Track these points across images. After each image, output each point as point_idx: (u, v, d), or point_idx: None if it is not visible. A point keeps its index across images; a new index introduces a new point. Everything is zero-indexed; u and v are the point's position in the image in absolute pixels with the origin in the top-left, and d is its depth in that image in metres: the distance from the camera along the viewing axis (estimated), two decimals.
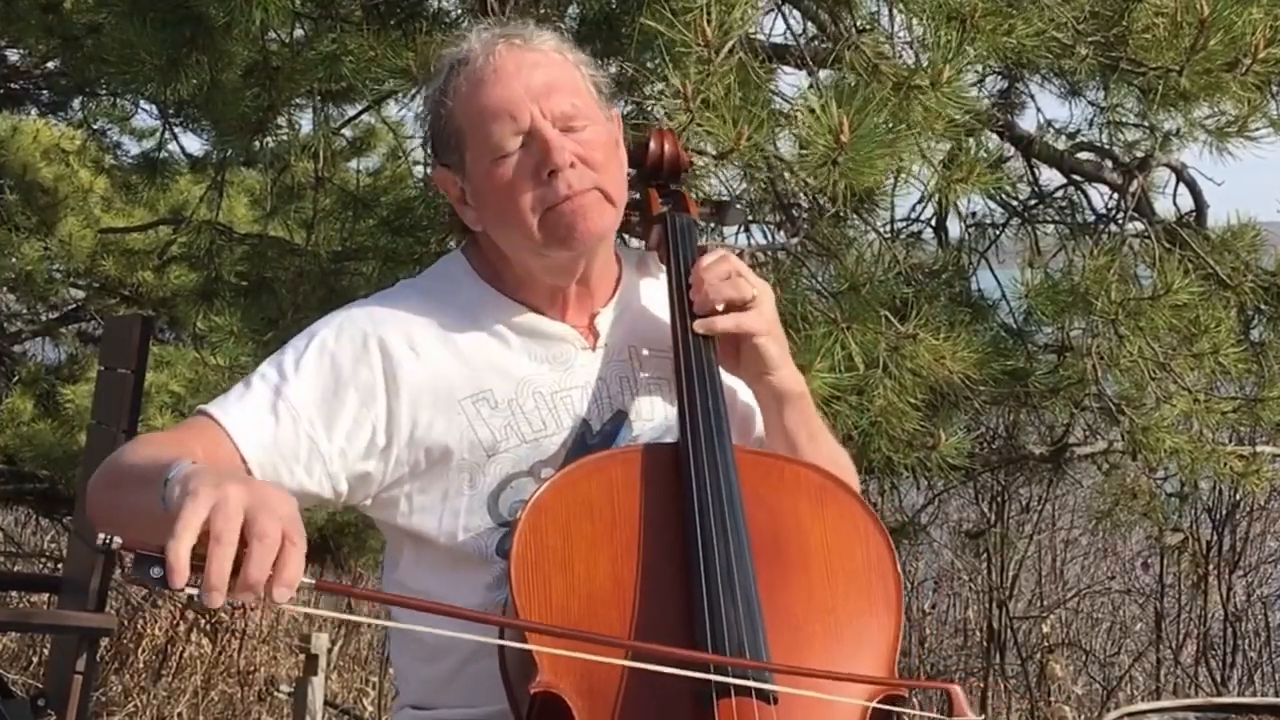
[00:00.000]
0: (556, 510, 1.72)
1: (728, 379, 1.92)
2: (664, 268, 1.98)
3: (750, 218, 3.51)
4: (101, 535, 1.39)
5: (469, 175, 1.85)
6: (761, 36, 3.29)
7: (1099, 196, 4.16)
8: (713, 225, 2.25)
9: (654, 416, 1.91)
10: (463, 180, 1.87)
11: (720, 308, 1.87)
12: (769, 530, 1.74)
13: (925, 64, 2.78)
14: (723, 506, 1.72)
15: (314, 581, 1.44)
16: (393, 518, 1.88)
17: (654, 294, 1.97)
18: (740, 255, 2.07)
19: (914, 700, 1.74)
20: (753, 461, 1.81)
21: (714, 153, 2.70)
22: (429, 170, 3.91)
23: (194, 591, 1.38)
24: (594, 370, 1.90)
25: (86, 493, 1.76)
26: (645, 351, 1.94)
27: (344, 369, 1.82)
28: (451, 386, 1.85)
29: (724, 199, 3.02)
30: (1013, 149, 4.09)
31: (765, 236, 3.80)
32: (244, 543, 1.39)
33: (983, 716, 1.54)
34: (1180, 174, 4.01)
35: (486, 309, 1.90)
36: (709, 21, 2.62)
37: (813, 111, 2.63)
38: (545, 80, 1.82)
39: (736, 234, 3.55)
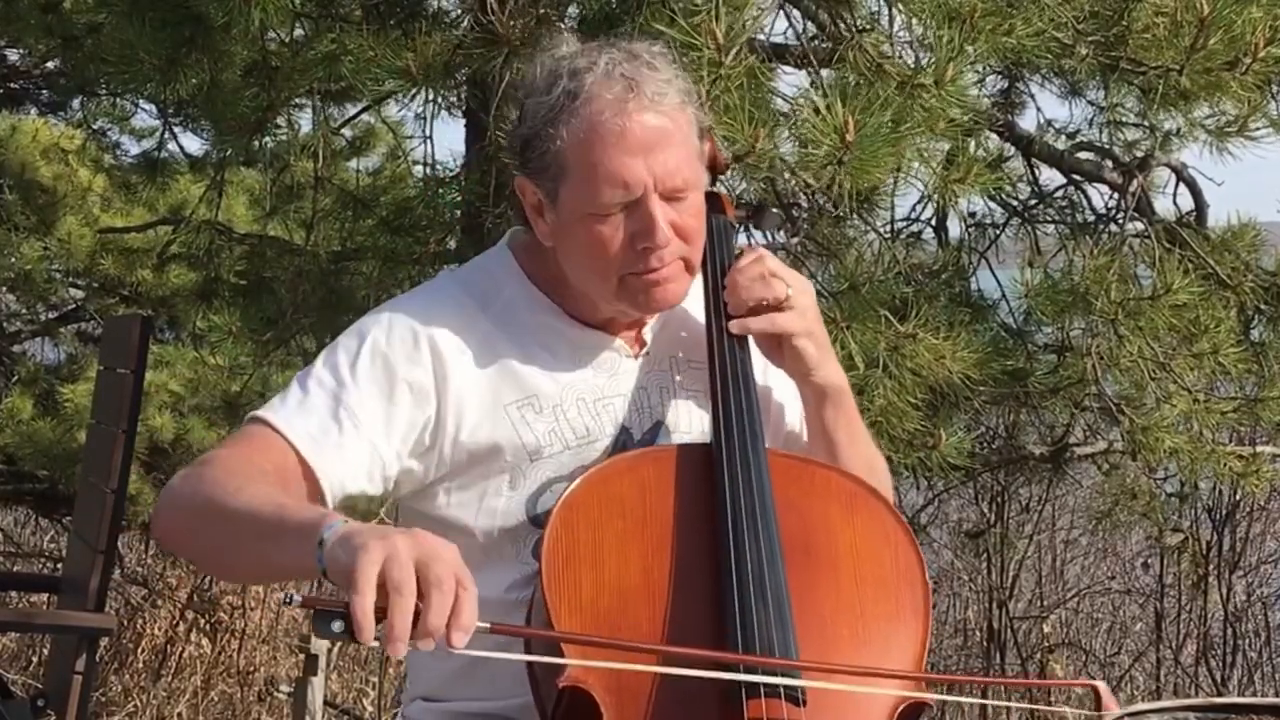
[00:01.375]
0: (588, 507, 1.72)
1: (761, 379, 1.92)
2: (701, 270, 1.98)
3: (786, 220, 3.50)
4: (285, 594, 1.46)
5: (559, 206, 1.82)
6: (762, 36, 3.29)
7: (1099, 196, 4.16)
8: (749, 227, 2.25)
9: (691, 429, 1.91)
10: (547, 201, 1.83)
11: (753, 307, 1.86)
12: (799, 534, 1.75)
13: (928, 63, 2.78)
14: (755, 508, 1.72)
15: (489, 625, 1.48)
16: (428, 509, 1.87)
17: (696, 300, 1.96)
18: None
19: (936, 709, 1.73)
20: (784, 465, 1.81)
21: (729, 155, 2.70)
22: (428, 170, 3.94)
23: (376, 644, 1.43)
24: (638, 378, 1.90)
25: (162, 523, 1.76)
26: (686, 362, 1.93)
27: (398, 370, 1.81)
28: (497, 391, 1.84)
29: (761, 202, 3.00)
30: (1013, 149, 4.09)
31: (765, 236, 3.79)
32: (420, 591, 1.43)
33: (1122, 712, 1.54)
34: (1180, 174, 4.01)
35: (533, 311, 1.89)
36: (718, 22, 2.61)
37: (817, 111, 2.63)
38: (666, 155, 1.77)
39: (737, 234, 3.54)
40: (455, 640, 1.43)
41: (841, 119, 2.57)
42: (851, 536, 1.77)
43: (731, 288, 1.86)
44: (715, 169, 2.06)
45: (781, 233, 3.67)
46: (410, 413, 1.80)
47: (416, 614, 1.43)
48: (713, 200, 2.03)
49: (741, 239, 2.15)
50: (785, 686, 1.58)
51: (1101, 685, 1.63)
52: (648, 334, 1.92)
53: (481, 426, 1.82)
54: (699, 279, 1.96)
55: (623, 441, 1.87)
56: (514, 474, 1.84)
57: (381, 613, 1.42)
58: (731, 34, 2.64)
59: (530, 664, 1.72)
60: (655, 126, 1.77)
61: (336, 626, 1.43)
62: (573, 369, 1.87)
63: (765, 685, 1.58)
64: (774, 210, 2.25)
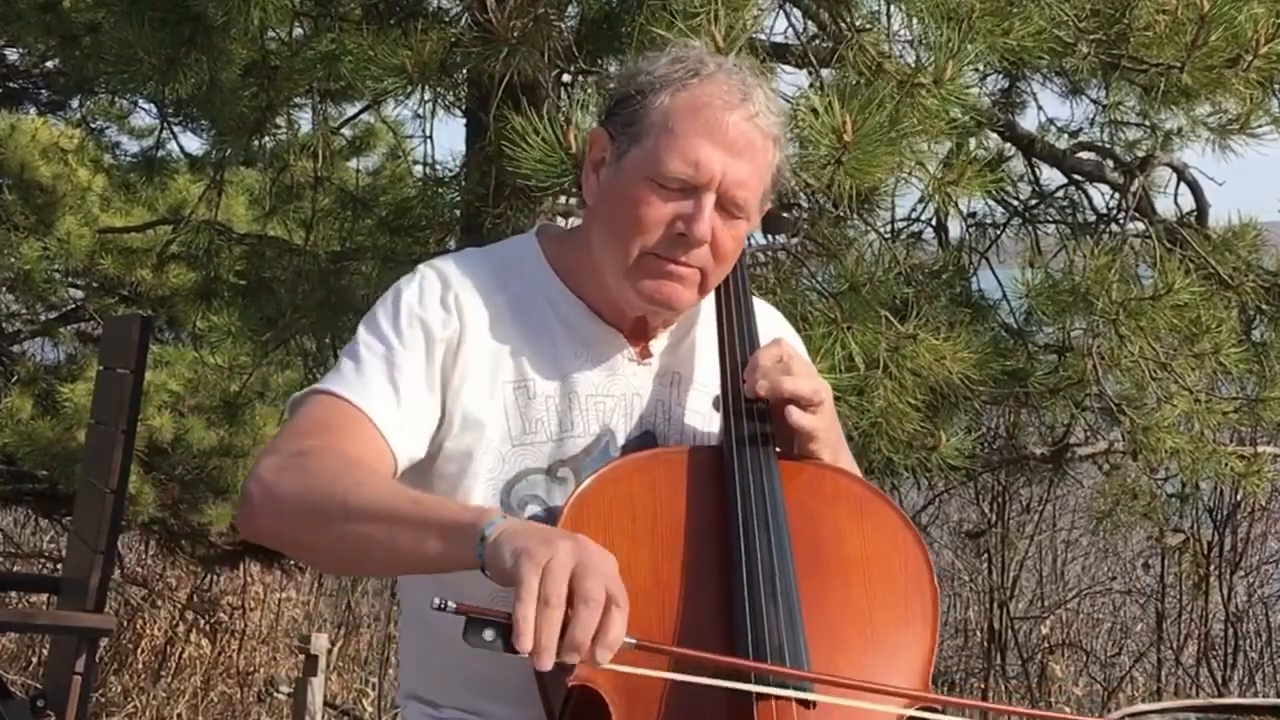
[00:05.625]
0: (598, 506, 1.72)
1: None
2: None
3: (801, 226, 3.48)
4: (437, 600, 1.44)
5: (622, 163, 1.83)
6: (762, 36, 3.28)
7: (1100, 196, 4.16)
8: (765, 235, 2.24)
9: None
10: (612, 156, 1.85)
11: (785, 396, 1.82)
12: (809, 538, 1.74)
13: (928, 62, 2.78)
14: (766, 511, 1.72)
15: (635, 641, 1.48)
16: (416, 478, 1.87)
17: (709, 324, 1.95)
18: (740, 255, 2.05)
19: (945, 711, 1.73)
20: (795, 468, 1.81)
21: None
22: (428, 170, 3.94)
23: (523, 653, 1.42)
24: (635, 384, 1.90)
25: (260, 518, 1.71)
26: (690, 382, 1.93)
27: (434, 330, 1.83)
28: (498, 365, 1.85)
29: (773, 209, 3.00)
30: (1014, 148, 4.08)
31: (765, 236, 3.79)
32: (570, 603, 1.44)
33: None
34: (1181, 173, 4.01)
35: (547, 298, 1.90)
36: (716, 23, 2.61)
37: (815, 111, 2.62)
38: (744, 170, 1.80)
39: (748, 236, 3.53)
40: (599, 657, 1.44)
41: (839, 119, 2.57)
42: (861, 542, 1.76)
43: (760, 367, 1.83)
44: None
45: (781, 233, 3.66)
46: (441, 370, 1.83)
47: (566, 623, 1.43)
48: None
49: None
50: (797, 694, 1.58)
51: None
52: (655, 347, 1.92)
53: (478, 396, 1.83)
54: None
55: (605, 442, 1.86)
56: (493, 456, 1.83)
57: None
58: (731, 35, 2.63)
59: None
60: (749, 137, 1.80)
61: (489, 635, 1.44)
62: (573, 361, 1.87)
63: (776, 694, 1.57)
64: (786, 215, 2.23)
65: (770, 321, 2.05)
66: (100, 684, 5.86)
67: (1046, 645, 6.56)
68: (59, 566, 6.20)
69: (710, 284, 1.85)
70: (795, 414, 1.80)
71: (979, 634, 6.62)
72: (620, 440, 1.87)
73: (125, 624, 6.30)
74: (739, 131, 1.79)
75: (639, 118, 1.82)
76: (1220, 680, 6.17)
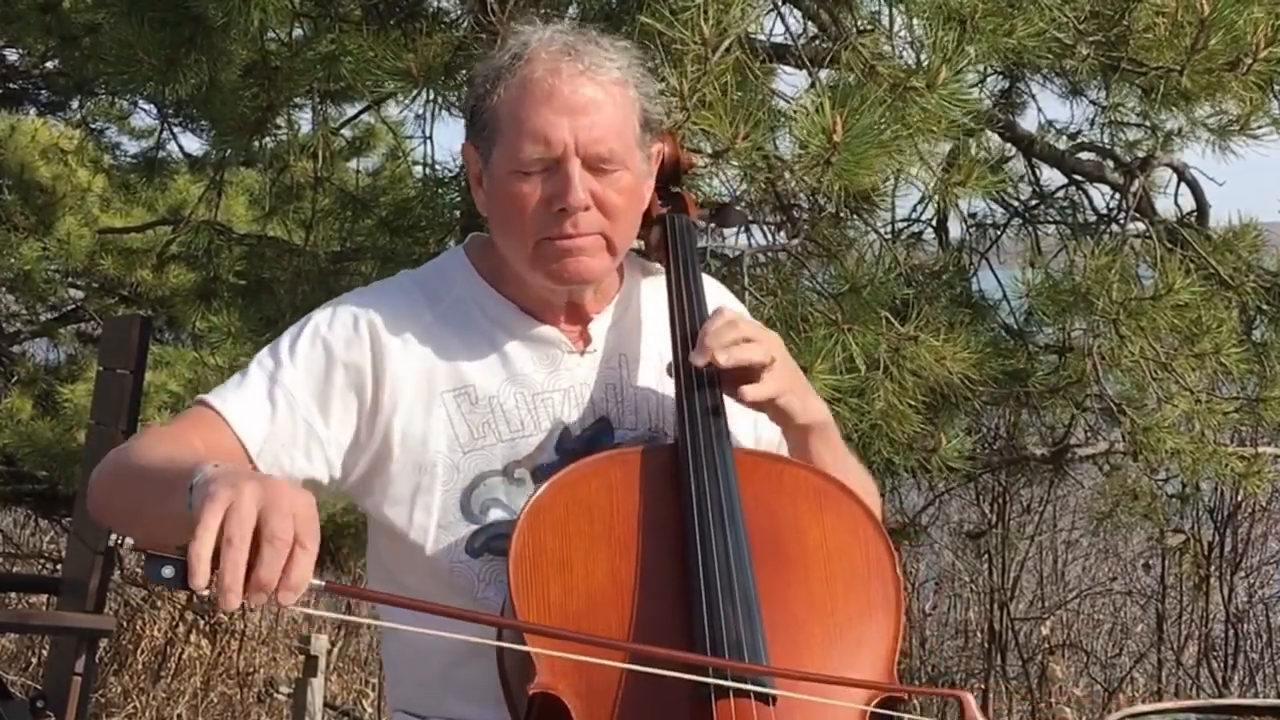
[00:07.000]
0: (555, 510, 1.72)
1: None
2: (663, 270, 1.97)
3: (750, 219, 3.50)
4: (114, 538, 1.41)
5: (490, 168, 1.85)
6: (762, 37, 3.29)
7: (1100, 196, 4.16)
8: (713, 226, 2.23)
9: (637, 427, 1.90)
10: (483, 165, 1.87)
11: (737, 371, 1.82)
12: (768, 532, 1.74)
13: (923, 64, 2.78)
14: (721, 508, 1.72)
15: (323, 584, 1.46)
16: (370, 508, 1.88)
17: (653, 300, 1.96)
18: (740, 256, 2.06)
19: (915, 703, 1.73)
20: (752, 463, 1.80)
21: (710, 151, 2.70)
22: (428, 170, 3.94)
23: (208, 593, 1.40)
24: (580, 375, 1.90)
25: (90, 491, 1.76)
26: (637, 360, 1.93)
27: (336, 351, 1.83)
28: (433, 379, 1.85)
29: (724, 200, 3.00)
30: (1014, 149, 4.08)
31: (765, 237, 3.79)
32: (258, 544, 1.41)
33: None
34: (1182, 174, 4.01)
35: (478, 305, 1.90)
36: (706, 19, 2.61)
37: (807, 112, 2.63)
38: (593, 120, 1.80)
39: (737, 235, 3.54)
40: (281, 598, 1.41)
41: (830, 119, 2.57)
42: (821, 533, 1.76)
43: (706, 347, 1.80)
44: (678, 169, 2.05)
45: (782, 233, 3.67)
46: (347, 395, 1.83)
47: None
48: (675, 199, 2.03)
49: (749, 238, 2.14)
50: (755, 688, 1.58)
51: (968, 697, 1.60)
52: (595, 330, 1.92)
53: (415, 413, 1.83)
54: (662, 280, 1.95)
55: (559, 437, 1.87)
56: (446, 466, 1.83)
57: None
58: (720, 28, 2.63)
59: (503, 673, 1.72)
60: (586, 93, 1.81)
61: (167, 572, 1.41)
62: (513, 363, 1.88)
63: (734, 686, 1.57)
64: (737, 208, 2.23)
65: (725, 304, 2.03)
66: (100, 684, 5.86)
67: (1047, 646, 6.55)
68: (59, 567, 6.19)
69: (618, 243, 1.85)
70: (749, 391, 1.81)
71: (979, 635, 6.61)
72: (575, 431, 1.87)
73: (125, 624, 6.30)
74: (574, 90, 1.80)
75: (488, 120, 1.84)
76: (1221, 681, 6.16)
